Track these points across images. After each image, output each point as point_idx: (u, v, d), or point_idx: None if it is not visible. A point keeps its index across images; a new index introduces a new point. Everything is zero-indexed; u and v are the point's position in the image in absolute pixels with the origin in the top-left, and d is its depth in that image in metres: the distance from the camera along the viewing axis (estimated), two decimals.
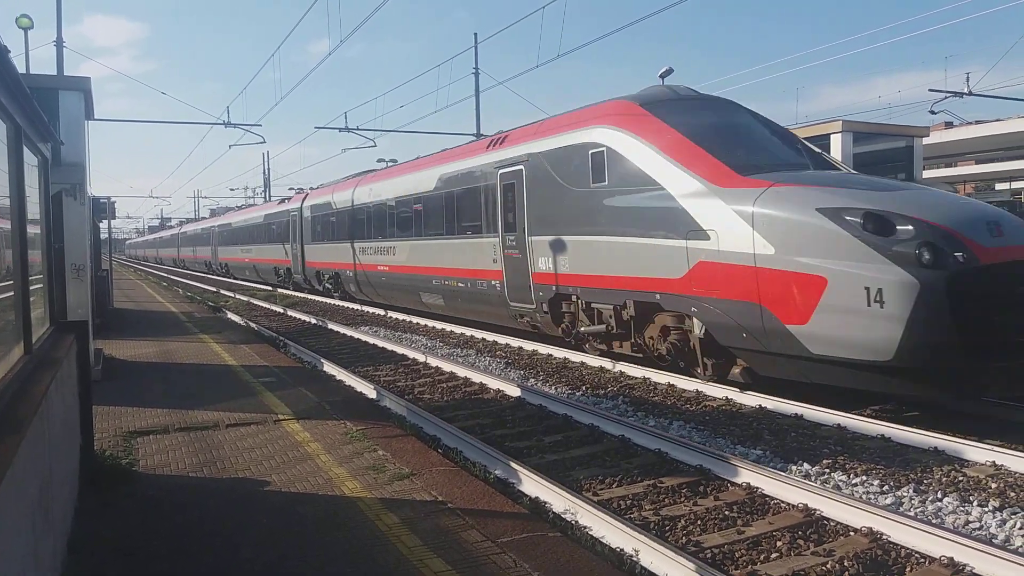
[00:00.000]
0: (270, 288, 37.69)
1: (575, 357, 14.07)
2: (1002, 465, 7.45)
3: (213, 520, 5.98)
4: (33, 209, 5.64)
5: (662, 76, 16.02)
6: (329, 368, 14.04)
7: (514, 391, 11.41)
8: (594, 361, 13.56)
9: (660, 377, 11.92)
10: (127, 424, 9.20)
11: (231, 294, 35.33)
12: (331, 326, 21.13)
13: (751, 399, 10.27)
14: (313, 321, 22.93)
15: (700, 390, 11.04)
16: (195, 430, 8.87)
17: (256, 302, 30.54)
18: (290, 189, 58.58)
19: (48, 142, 6.84)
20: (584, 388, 11.85)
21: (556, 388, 12.03)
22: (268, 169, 66.03)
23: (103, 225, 26.11)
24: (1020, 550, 5.68)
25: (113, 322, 20.66)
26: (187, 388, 11.50)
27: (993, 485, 7.05)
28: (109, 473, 7.04)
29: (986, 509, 6.48)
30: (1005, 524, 6.18)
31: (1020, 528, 6.08)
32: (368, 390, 11.85)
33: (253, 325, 21.99)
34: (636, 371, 12.49)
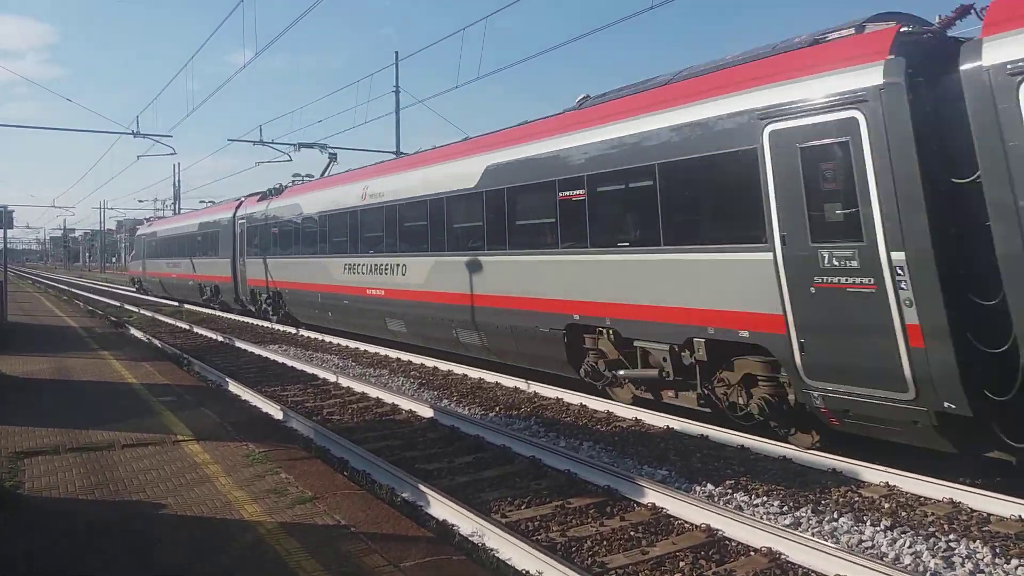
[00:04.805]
0: (176, 304, 36.39)
1: (489, 377, 14.02)
2: (895, 486, 7.73)
3: (101, 546, 5.69)
4: None
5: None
6: (234, 388, 13.62)
7: (427, 412, 11.28)
8: (508, 382, 13.53)
9: (573, 398, 11.98)
10: (14, 444, 8.71)
11: (135, 309, 34.01)
12: (239, 344, 20.53)
13: (660, 420, 10.41)
14: (220, 339, 22.23)
15: (611, 411, 11.13)
16: (88, 451, 8.45)
17: (161, 318, 29.47)
18: (200, 202, 56.98)
19: None
20: (497, 409, 11.81)
21: (469, 409, 11.96)
22: (178, 181, 64.01)
23: None
24: (908, 568, 5.90)
25: (7, 337, 19.61)
26: (82, 407, 10.95)
27: (886, 505, 7.31)
28: None
29: (878, 528, 6.71)
30: (896, 543, 6.41)
31: (909, 547, 6.31)
32: (274, 411, 11.53)
33: (156, 342, 21.20)
34: (549, 391, 12.51)
